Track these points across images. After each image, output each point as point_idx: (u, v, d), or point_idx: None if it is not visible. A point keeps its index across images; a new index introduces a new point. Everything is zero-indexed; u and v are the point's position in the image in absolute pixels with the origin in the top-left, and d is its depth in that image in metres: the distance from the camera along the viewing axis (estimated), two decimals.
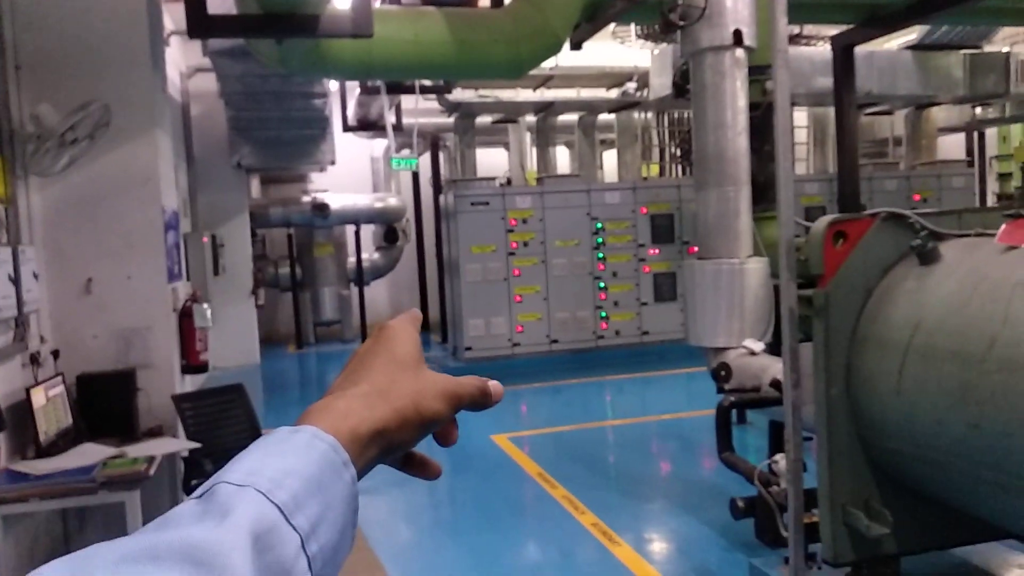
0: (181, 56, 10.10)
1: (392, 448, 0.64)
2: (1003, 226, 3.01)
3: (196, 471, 4.44)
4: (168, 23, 7.85)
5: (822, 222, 3.40)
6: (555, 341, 10.77)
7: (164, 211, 5.03)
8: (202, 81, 10.55)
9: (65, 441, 4.26)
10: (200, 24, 4.23)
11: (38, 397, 4.12)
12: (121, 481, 3.84)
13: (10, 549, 3.88)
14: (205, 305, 5.45)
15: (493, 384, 0.72)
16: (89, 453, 4.13)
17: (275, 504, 0.50)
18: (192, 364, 5.29)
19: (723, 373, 4.88)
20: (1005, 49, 10.60)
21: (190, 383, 5.77)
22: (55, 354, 4.63)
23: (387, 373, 0.65)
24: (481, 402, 0.71)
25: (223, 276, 10.75)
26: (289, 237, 13.71)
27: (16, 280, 4.05)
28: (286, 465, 0.53)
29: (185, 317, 5.28)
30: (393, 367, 0.66)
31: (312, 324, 14.17)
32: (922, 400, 2.98)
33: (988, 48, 10.38)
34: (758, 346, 5.06)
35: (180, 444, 4.57)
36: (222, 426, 4.80)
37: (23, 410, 4.07)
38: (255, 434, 4.89)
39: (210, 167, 11.13)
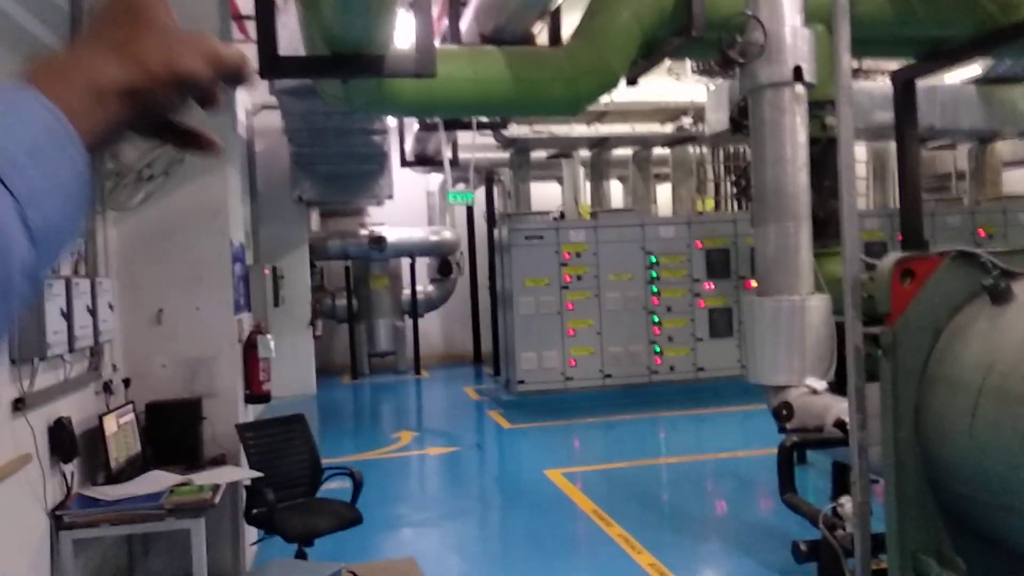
0: (247, 94, 10.48)
1: (145, 109, 0.57)
2: None
3: (258, 500, 4.51)
4: None
5: (889, 260, 3.35)
6: (608, 376, 10.70)
7: (232, 244, 5.19)
8: (266, 118, 10.91)
9: (134, 468, 4.38)
10: (271, 65, 4.40)
11: (110, 424, 4.26)
12: (187, 508, 3.93)
13: (77, 573, 3.99)
14: (269, 336, 5.57)
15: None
16: (157, 480, 4.23)
17: None
18: (255, 394, 5.41)
19: (785, 412, 4.79)
20: None
21: (252, 413, 5.89)
22: (126, 382, 4.78)
23: (126, 26, 0.57)
24: (239, 66, 0.63)
25: (283, 307, 10.99)
26: (347, 269, 13.97)
27: (93, 311, 4.21)
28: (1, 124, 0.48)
29: (250, 348, 5.40)
30: (133, 19, 0.58)
31: (367, 355, 14.35)
32: (996, 444, 2.89)
33: None
34: (820, 385, 4.95)
35: (243, 472, 4.66)
36: (283, 455, 4.88)
37: (95, 437, 4.21)
38: (315, 463, 4.96)
39: (272, 200, 11.45)
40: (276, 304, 10.73)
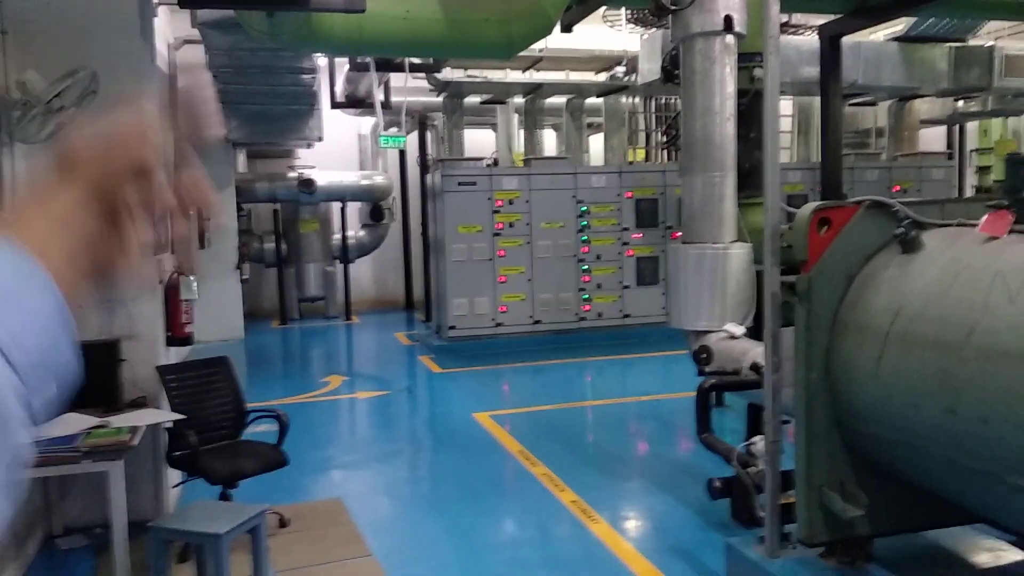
0: (168, 27, 9.97)
1: (106, 206, 0.62)
2: (984, 216, 3.07)
3: (180, 442, 4.45)
4: None
5: (807, 209, 3.46)
6: (538, 322, 10.83)
7: None
8: (189, 53, 10.41)
9: None
10: None
11: None
12: (105, 451, 3.85)
13: None
14: (191, 277, 5.43)
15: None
16: (72, 422, 4.12)
17: None
18: (177, 336, 5.29)
19: (704, 356, 4.95)
20: (989, 43, 10.70)
21: (175, 355, 5.76)
22: None
23: (63, 158, 0.63)
24: (141, 139, 0.68)
25: (208, 250, 10.69)
26: (275, 212, 13.64)
27: None
28: None
29: (171, 289, 5.26)
30: (67, 153, 0.64)
31: (296, 300, 14.15)
32: (900, 385, 3.05)
33: (973, 42, 10.48)
34: (739, 330, 5.12)
35: (164, 415, 4.58)
36: (206, 398, 4.81)
37: None
38: (239, 407, 4.91)
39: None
40: (202, 246, 10.41)
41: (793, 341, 3.57)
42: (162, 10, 8.74)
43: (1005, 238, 2.96)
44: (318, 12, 5.18)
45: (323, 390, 8.95)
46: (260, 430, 5.01)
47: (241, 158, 13.54)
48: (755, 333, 4.95)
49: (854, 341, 3.35)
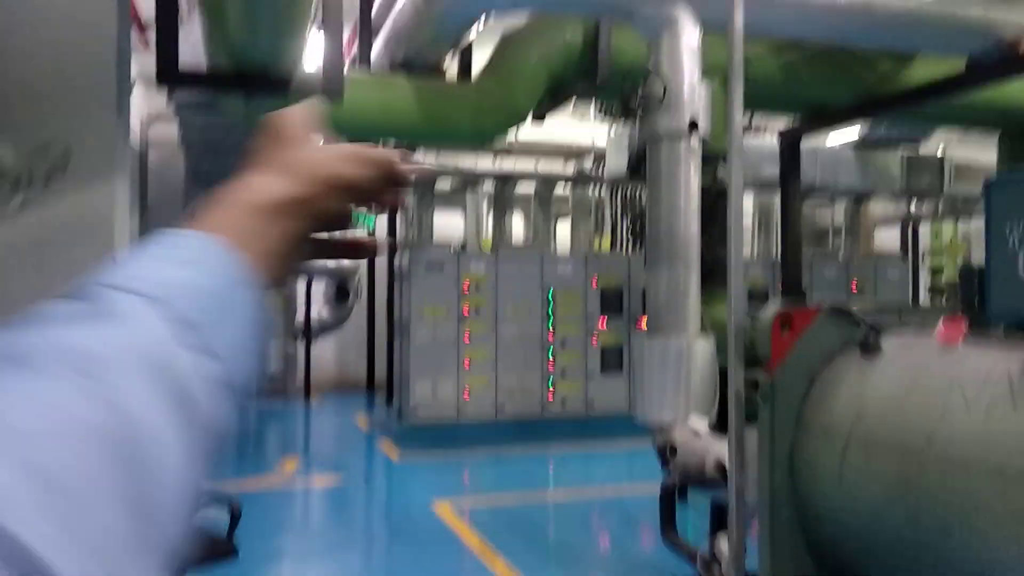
0: (143, 102, 10.06)
1: (314, 219, 0.60)
2: (940, 325, 3.16)
3: None
4: (133, 69, 7.85)
5: (770, 310, 3.53)
6: (502, 408, 10.73)
7: (116, 261, 4.94)
8: (162, 129, 10.49)
9: None
10: (169, 75, 4.25)
11: None
12: None
13: None
14: None
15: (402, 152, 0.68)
16: None
17: (168, 320, 0.43)
18: None
19: (668, 452, 4.93)
20: (939, 151, 11.24)
21: None
22: None
23: (283, 151, 0.61)
24: (397, 164, 0.66)
25: None
26: None
27: None
28: (178, 274, 0.47)
29: None
30: (288, 146, 0.62)
31: None
32: (863, 490, 3.06)
33: (924, 149, 10.99)
34: (703, 425, 5.13)
35: None
36: None
37: None
38: None
39: (163, 214, 10.96)
40: None
41: (757, 441, 3.58)
42: (136, 86, 8.85)
43: (960, 347, 3.04)
44: (296, 99, 5.28)
45: (276, 475, 8.69)
46: (209, 516, 4.82)
47: None
48: (718, 427, 4.95)
49: (817, 443, 3.37)
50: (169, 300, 0.44)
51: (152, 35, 6.69)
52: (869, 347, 3.35)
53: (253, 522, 6.07)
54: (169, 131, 9.90)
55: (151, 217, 10.88)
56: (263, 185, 0.58)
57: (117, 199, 4.96)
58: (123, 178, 5.29)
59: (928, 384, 2.94)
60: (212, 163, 9.73)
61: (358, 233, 0.69)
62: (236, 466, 9.24)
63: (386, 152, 0.65)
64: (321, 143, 0.64)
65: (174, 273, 0.47)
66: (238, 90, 4.94)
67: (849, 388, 3.31)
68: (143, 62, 7.78)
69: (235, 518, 4.61)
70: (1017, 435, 2.54)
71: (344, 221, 0.64)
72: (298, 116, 0.65)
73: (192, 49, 5.37)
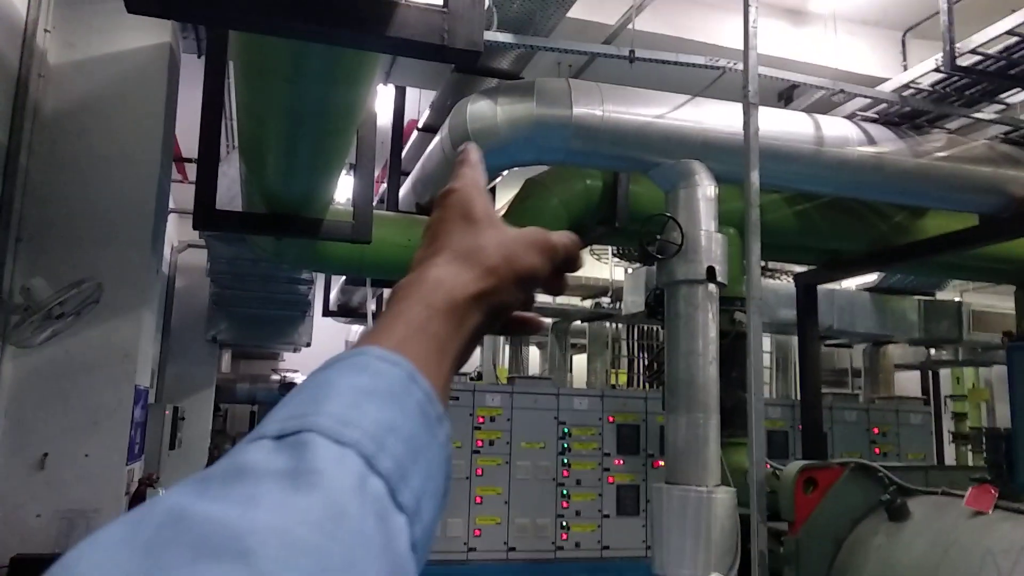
0: (175, 231, 10.42)
1: (495, 312, 0.58)
2: (970, 490, 3.08)
3: None
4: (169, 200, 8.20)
5: (793, 468, 3.47)
6: (513, 548, 10.35)
7: (136, 389, 4.98)
8: (190, 255, 10.81)
9: None
10: (206, 218, 4.44)
11: None
12: None
13: None
14: (160, 488, 5.25)
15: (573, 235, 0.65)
16: None
17: (380, 476, 0.41)
18: None
19: None
20: (956, 298, 11.28)
21: None
22: None
23: (466, 234, 0.59)
24: (574, 252, 0.64)
25: (179, 450, 10.42)
26: (252, 413, 13.46)
27: None
28: (385, 418, 0.44)
29: (137, 500, 5.06)
30: (471, 226, 0.60)
31: None
32: None
33: (941, 295, 11.04)
34: None
35: None
36: None
37: None
38: None
39: (184, 338, 11.11)
40: (172, 447, 10.15)
41: None
42: (171, 215, 9.19)
43: (991, 514, 2.96)
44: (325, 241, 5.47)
45: None
46: None
47: (226, 357, 13.59)
48: None
49: None
50: (379, 453, 0.42)
51: (188, 167, 7.01)
52: (897, 510, 3.26)
53: None
54: (198, 257, 10.19)
55: (172, 341, 11.02)
56: (452, 279, 0.56)
57: (143, 331, 5.07)
58: (150, 311, 5.42)
59: (959, 554, 2.84)
60: (236, 291, 9.96)
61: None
62: None
63: (566, 238, 0.64)
64: (501, 224, 0.61)
65: (379, 415, 0.44)
66: (270, 232, 5.13)
67: (877, 554, 3.20)
68: (177, 190, 8.12)
69: None
70: None
71: (516, 307, 0.62)
72: (474, 186, 0.63)
73: (228, 184, 5.63)
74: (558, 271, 0.64)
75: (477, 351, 12.31)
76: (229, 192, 5.71)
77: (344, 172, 5.63)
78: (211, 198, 4.31)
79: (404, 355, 0.49)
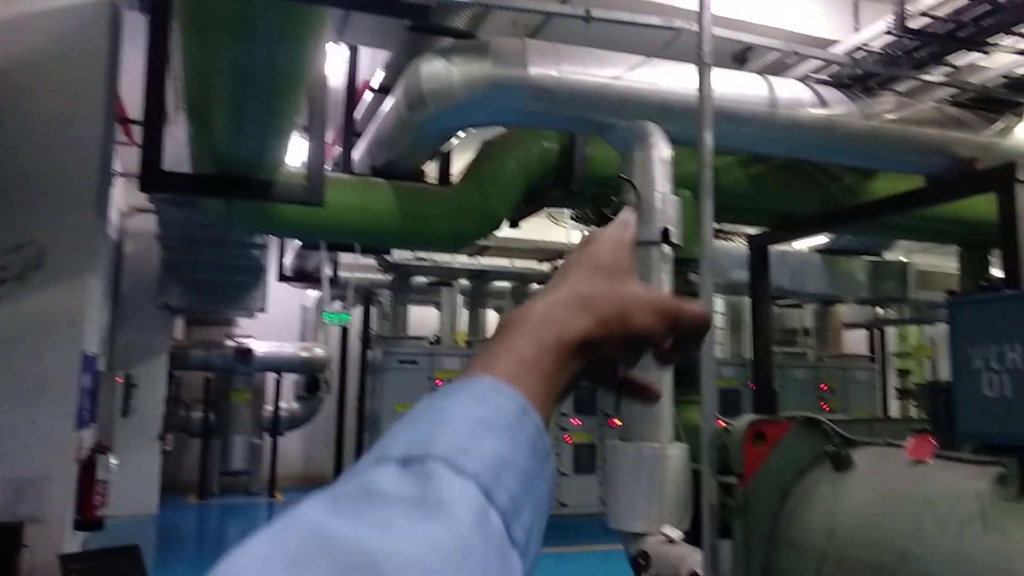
0: (122, 195, 10.13)
1: (598, 364, 0.58)
2: (910, 439, 3.20)
3: None
4: (115, 163, 7.95)
5: (743, 422, 3.55)
6: None
7: (84, 355, 4.88)
8: (140, 220, 10.54)
9: None
10: (153, 180, 4.32)
11: None
12: None
13: None
14: (111, 456, 5.18)
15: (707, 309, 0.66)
16: None
17: (498, 510, 0.42)
18: (87, 520, 4.96)
19: (642, 562, 4.84)
20: (903, 258, 11.58)
21: (81, 539, 5.37)
22: None
23: (590, 280, 0.59)
24: (701, 325, 0.62)
25: (132, 418, 10.26)
26: (206, 381, 13.29)
27: None
28: (502, 452, 0.45)
29: (88, 468, 4.99)
30: (597, 275, 0.60)
31: (219, 473, 13.48)
32: None
33: (888, 257, 11.33)
34: (676, 534, 5.06)
35: None
36: None
37: None
38: None
39: (135, 305, 10.89)
40: (124, 415, 10.00)
41: (732, 554, 3.54)
42: (119, 179, 8.93)
43: (932, 463, 3.07)
44: (278, 203, 5.37)
45: None
46: None
47: (179, 324, 13.36)
48: (693, 536, 4.88)
49: (791, 559, 3.34)
50: (496, 487, 0.43)
51: (135, 128, 6.81)
52: (841, 461, 3.37)
53: None
54: (147, 222, 9.95)
55: (123, 307, 10.79)
56: (563, 320, 0.56)
57: (89, 297, 4.95)
58: (97, 276, 5.29)
59: (900, 501, 2.95)
60: (188, 256, 9.75)
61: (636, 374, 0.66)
62: (193, 569, 8.87)
63: (696, 311, 0.63)
64: (630, 280, 0.62)
65: (496, 447, 0.45)
66: (220, 193, 5.02)
67: (822, 503, 3.31)
68: (125, 155, 7.88)
69: None
70: (988, 556, 2.55)
71: (623, 364, 0.62)
72: (619, 241, 0.63)
73: (175, 147, 5.47)
74: (678, 341, 0.63)
75: (435, 315, 12.41)
76: (176, 156, 5.56)
77: (297, 135, 5.53)
78: (157, 159, 4.19)
79: (517, 388, 0.50)
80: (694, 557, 4.54)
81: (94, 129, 4.89)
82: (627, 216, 0.68)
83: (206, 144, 4.50)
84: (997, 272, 8.05)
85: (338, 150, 7.49)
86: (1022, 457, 2.50)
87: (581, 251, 0.63)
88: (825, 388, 11.75)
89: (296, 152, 5.77)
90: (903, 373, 14.26)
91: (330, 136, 7.33)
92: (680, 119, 5.33)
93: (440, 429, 0.45)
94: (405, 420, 0.48)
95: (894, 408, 14.02)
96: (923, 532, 2.79)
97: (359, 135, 6.86)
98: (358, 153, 6.86)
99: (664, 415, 5.52)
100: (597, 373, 0.60)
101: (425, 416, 0.48)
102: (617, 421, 5.72)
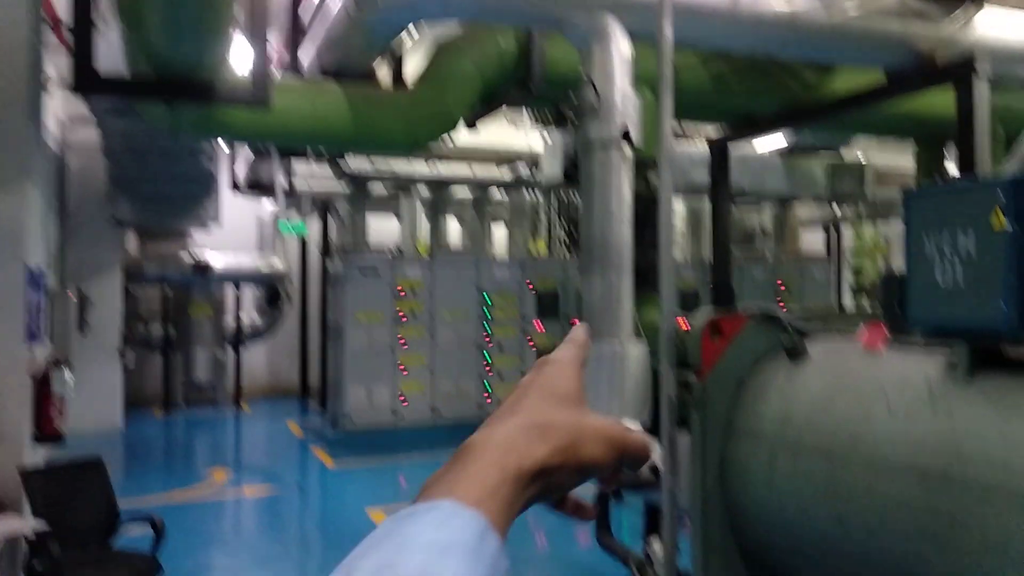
0: (62, 106, 9.65)
1: (549, 490, 0.61)
2: (863, 329, 3.26)
3: (41, 553, 4.07)
4: (50, 70, 7.51)
5: (700, 318, 3.58)
6: (438, 412, 10.66)
7: (27, 268, 4.71)
8: (82, 132, 10.09)
9: None
10: (87, 82, 4.07)
11: None
12: None
13: None
14: (67, 369, 5.09)
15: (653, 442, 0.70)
16: None
17: None
18: (46, 434, 4.91)
19: None
20: (861, 157, 11.65)
21: (43, 453, 5.33)
22: None
23: (545, 408, 0.62)
24: (644, 455, 0.68)
25: (89, 334, 10.10)
26: (164, 296, 13.09)
27: None
28: (465, 574, 0.50)
29: (42, 381, 4.91)
30: (552, 402, 0.63)
31: (183, 387, 13.46)
32: (792, 493, 3.13)
33: (847, 155, 11.38)
34: (637, 427, 5.18)
35: (23, 523, 4.19)
36: (75, 504, 4.44)
37: None
38: (111, 514, 4.54)
39: (84, 220, 10.56)
40: (81, 330, 9.84)
41: (690, 445, 3.63)
42: (56, 89, 8.48)
43: (883, 352, 3.14)
44: (221, 105, 5.13)
45: (206, 486, 8.45)
46: (134, 534, 4.65)
47: (131, 239, 13.03)
48: (652, 431, 5.01)
49: (746, 447, 3.43)
50: None
51: (67, 32, 6.42)
52: (796, 352, 3.43)
53: (180, 537, 5.88)
54: (90, 135, 9.53)
55: (71, 223, 10.46)
56: (524, 448, 0.59)
57: (28, 207, 4.74)
58: (35, 185, 5.04)
59: (852, 388, 3.03)
60: (135, 168, 9.41)
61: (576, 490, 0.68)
62: (163, 479, 8.95)
63: (640, 443, 0.68)
64: (583, 407, 0.65)
65: (460, 569, 0.49)
66: (159, 96, 4.77)
67: (777, 392, 3.38)
68: (62, 64, 7.46)
69: (158, 535, 4.46)
70: (936, 438, 2.64)
71: (569, 489, 0.65)
72: (573, 364, 0.67)
73: (112, 51, 5.16)
74: (620, 466, 0.67)
75: (396, 226, 12.27)
76: (113, 60, 5.26)
77: (242, 37, 5.24)
78: (89, 59, 3.94)
79: (480, 512, 0.54)
80: (654, 449, 4.68)
81: (18, 29, 4.57)
82: (580, 335, 0.71)
83: (141, 46, 4.24)
84: (952, 168, 8.13)
85: (286, 54, 7.17)
86: (971, 343, 2.55)
87: (537, 375, 0.66)
88: (783, 287, 11.98)
89: (242, 58, 5.50)
90: (858, 272, 14.58)
91: (277, 39, 7.00)
92: (639, 12, 5.16)
93: (408, 553, 0.49)
94: (371, 540, 0.51)
95: (849, 305, 14.39)
96: (873, 416, 2.87)
97: (305, 33, 6.54)
98: (307, 57, 6.56)
99: (624, 315, 5.57)
100: (547, 496, 0.63)
101: (392, 538, 0.51)
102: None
